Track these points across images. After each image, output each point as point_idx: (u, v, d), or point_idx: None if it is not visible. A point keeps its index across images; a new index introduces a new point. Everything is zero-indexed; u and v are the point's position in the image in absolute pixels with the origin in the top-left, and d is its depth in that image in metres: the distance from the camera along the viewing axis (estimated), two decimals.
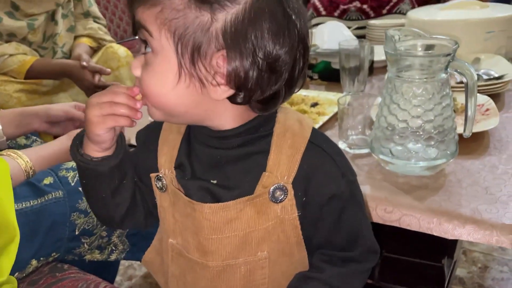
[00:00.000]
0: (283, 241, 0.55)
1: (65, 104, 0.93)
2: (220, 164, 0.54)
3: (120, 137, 0.56)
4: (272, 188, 0.52)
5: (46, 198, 0.67)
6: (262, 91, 0.48)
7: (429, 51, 0.74)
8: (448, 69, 0.71)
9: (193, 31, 0.46)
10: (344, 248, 0.56)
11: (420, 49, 0.74)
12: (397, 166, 0.77)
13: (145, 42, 0.49)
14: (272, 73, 0.48)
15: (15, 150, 0.73)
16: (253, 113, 0.52)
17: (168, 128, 0.59)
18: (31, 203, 0.66)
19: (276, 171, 0.52)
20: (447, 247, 0.94)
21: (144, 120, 0.57)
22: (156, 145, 0.58)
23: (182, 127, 0.57)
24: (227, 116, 0.52)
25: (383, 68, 1.33)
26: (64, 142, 0.79)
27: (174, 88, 0.48)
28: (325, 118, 1.01)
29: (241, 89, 0.48)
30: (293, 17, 0.48)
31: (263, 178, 0.52)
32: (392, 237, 0.91)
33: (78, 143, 0.56)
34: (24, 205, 0.65)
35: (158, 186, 0.57)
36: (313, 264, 0.58)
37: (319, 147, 0.54)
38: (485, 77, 1.09)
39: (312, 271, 0.57)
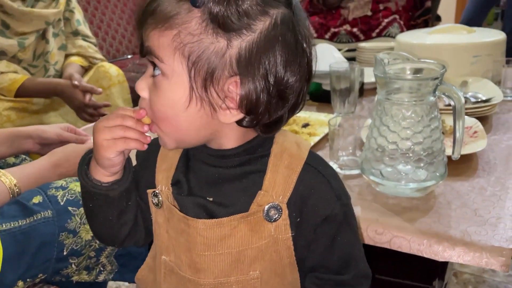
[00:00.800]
0: (276, 261, 0.55)
1: (57, 126, 0.93)
2: (218, 182, 0.54)
3: (127, 161, 0.56)
4: (267, 206, 0.52)
5: (35, 218, 0.67)
6: (270, 115, 0.49)
7: (418, 75, 0.75)
8: (436, 92, 0.73)
9: (207, 57, 0.46)
10: (337, 271, 0.56)
11: (409, 72, 0.76)
12: (387, 187, 0.77)
13: (154, 64, 0.49)
14: (281, 99, 0.49)
15: None
16: (253, 133, 0.53)
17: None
18: (20, 223, 0.65)
19: (272, 191, 0.53)
20: (438, 269, 0.93)
21: None
22: (155, 162, 0.59)
23: None
24: (230, 136, 0.52)
25: (373, 90, 1.35)
26: (49, 160, 0.79)
27: (184, 111, 0.49)
28: (316, 138, 1.02)
29: (251, 113, 0.49)
30: (304, 45, 0.49)
31: (258, 196, 0.53)
32: (383, 258, 0.90)
33: (86, 167, 0.56)
34: (12, 225, 0.64)
35: (154, 202, 0.58)
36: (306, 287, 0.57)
37: (315, 169, 0.54)
38: (472, 99, 1.11)
39: None
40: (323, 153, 0.97)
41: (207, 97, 0.48)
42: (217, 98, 0.48)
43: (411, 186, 0.75)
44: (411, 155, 0.74)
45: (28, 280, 0.67)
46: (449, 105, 1.04)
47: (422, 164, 0.74)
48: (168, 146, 0.53)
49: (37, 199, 0.69)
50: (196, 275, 0.55)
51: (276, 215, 0.52)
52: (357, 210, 0.76)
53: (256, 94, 0.47)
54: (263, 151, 0.54)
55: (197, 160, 0.56)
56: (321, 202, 0.53)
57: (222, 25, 0.45)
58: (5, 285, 0.62)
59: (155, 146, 0.59)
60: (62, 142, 0.91)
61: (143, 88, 0.51)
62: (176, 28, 0.46)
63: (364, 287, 0.58)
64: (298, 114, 1.27)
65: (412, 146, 0.74)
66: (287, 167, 0.53)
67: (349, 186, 0.83)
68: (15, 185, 0.71)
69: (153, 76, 0.50)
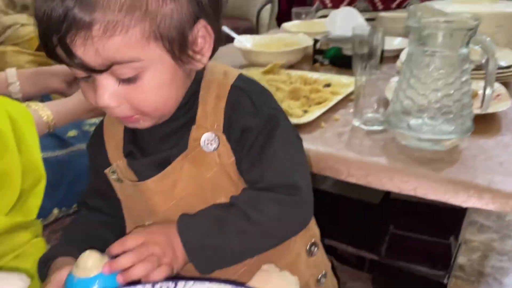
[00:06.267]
0: (233, 186, 0.55)
1: None
2: (166, 135, 0.55)
3: None
4: (202, 138, 0.53)
5: (71, 149, 0.68)
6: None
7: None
8: (470, 44, 0.73)
9: (174, 24, 0.46)
10: (268, 186, 0.54)
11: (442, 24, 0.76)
12: (413, 140, 0.78)
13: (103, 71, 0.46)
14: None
15: (37, 103, 0.73)
16: (189, 80, 0.54)
17: (109, 123, 0.59)
18: (56, 153, 0.67)
19: (205, 122, 0.53)
20: (454, 226, 0.95)
21: None
22: (103, 142, 0.59)
23: None
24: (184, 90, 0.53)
25: (393, 58, 1.34)
26: (80, 98, 0.80)
27: (174, 85, 0.50)
28: (339, 97, 1.02)
29: (216, 45, 0.51)
30: None
31: (192, 132, 0.53)
32: (401, 213, 0.92)
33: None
34: (49, 154, 0.66)
35: (114, 178, 0.58)
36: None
37: (239, 88, 0.55)
38: None
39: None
40: (346, 111, 0.98)
41: (187, 57, 0.49)
42: (194, 52, 0.49)
43: (438, 138, 0.76)
44: (440, 106, 0.75)
45: (63, 209, 0.69)
46: (475, 69, 1.04)
47: (451, 116, 0.75)
48: (147, 126, 0.52)
49: (72, 133, 0.70)
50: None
51: (215, 144, 0.53)
52: (382, 160, 0.77)
53: (219, 23, 0.50)
54: (198, 91, 0.55)
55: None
56: (239, 115, 0.53)
57: None
58: (42, 211, 0.64)
59: (98, 129, 0.60)
60: None
61: (110, 96, 0.47)
62: (148, 17, 0.44)
63: (289, 197, 0.54)
64: (318, 76, 1.27)
65: (442, 98, 0.74)
66: (216, 97, 0.54)
67: (374, 139, 0.84)
68: (51, 120, 0.72)
69: (121, 80, 0.47)
